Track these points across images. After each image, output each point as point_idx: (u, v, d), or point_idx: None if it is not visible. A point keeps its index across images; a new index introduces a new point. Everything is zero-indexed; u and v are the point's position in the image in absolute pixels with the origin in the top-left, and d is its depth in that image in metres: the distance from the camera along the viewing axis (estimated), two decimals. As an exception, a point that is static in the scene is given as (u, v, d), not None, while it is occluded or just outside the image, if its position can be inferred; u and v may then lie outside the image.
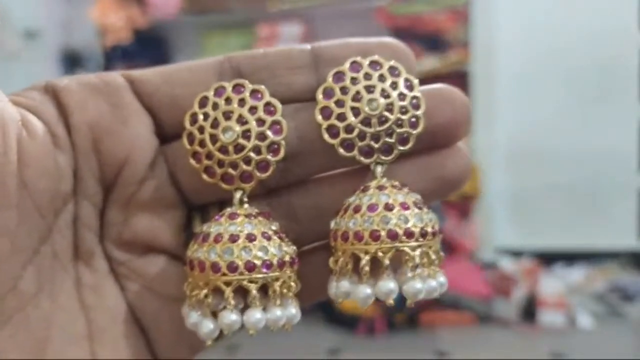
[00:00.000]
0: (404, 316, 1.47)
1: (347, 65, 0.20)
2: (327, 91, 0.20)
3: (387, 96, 0.20)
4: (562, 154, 1.88)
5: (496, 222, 1.92)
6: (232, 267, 0.18)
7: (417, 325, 1.49)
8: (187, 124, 0.20)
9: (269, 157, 0.20)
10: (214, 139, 0.20)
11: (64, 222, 0.19)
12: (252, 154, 0.20)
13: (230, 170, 0.20)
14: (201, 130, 0.20)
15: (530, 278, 1.60)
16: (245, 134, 0.20)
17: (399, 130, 0.20)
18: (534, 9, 1.88)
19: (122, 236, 0.20)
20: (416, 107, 0.20)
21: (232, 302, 0.18)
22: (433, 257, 0.19)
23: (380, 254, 0.18)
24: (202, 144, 0.20)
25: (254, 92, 0.20)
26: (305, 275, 0.20)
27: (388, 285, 0.19)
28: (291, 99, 0.20)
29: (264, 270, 0.19)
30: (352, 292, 0.19)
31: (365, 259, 0.19)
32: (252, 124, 0.20)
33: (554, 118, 1.88)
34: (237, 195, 0.20)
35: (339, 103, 0.20)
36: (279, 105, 0.20)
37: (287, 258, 0.19)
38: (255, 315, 0.18)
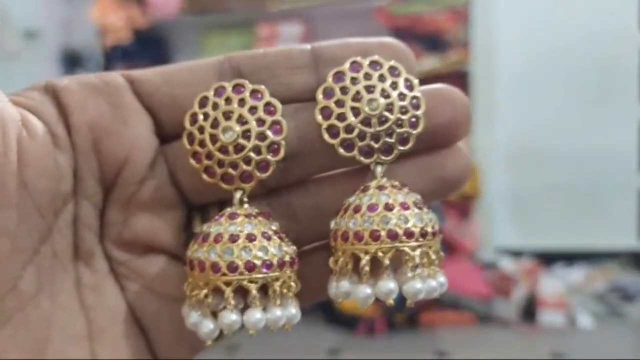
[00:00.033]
0: (404, 316, 1.47)
1: (347, 65, 0.20)
2: (327, 91, 0.20)
3: (387, 96, 0.20)
4: (562, 154, 1.88)
5: (496, 222, 1.92)
6: (232, 267, 0.18)
7: (417, 325, 1.48)
8: (187, 124, 0.20)
9: (269, 157, 0.20)
10: (214, 139, 0.20)
11: (64, 222, 0.19)
12: (252, 154, 0.20)
13: (230, 170, 0.20)
14: (201, 130, 0.20)
15: (530, 278, 1.60)
16: (245, 134, 0.20)
17: (399, 130, 0.20)
18: (534, 9, 1.88)
19: (122, 236, 0.20)
20: (416, 107, 0.20)
21: (232, 302, 0.18)
22: (433, 257, 0.19)
23: (380, 254, 0.18)
24: (202, 144, 0.20)
25: (254, 92, 0.20)
26: (305, 275, 0.20)
27: (388, 285, 0.19)
28: (291, 99, 0.20)
29: (264, 270, 0.19)
30: (352, 292, 0.19)
31: (365, 259, 0.19)
32: (252, 124, 0.20)
33: (554, 118, 1.88)
34: (237, 195, 0.20)
35: (339, 103, 0.20)
36: (279, 105, 0.20)
37: (287, 258, 0.19)
38: (255, 315, 0.18)
